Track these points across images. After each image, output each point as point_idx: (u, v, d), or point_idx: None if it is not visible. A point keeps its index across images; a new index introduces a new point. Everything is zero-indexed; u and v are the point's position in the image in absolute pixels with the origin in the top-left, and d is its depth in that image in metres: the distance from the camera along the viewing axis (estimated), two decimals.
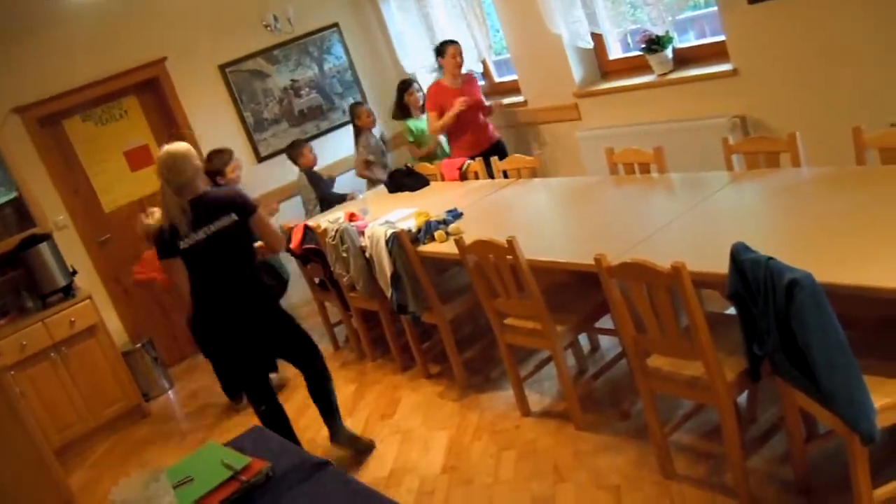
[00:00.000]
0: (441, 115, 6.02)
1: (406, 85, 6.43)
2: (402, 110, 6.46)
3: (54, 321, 5.57)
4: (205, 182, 4.01)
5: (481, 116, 6.15)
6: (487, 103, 6.29)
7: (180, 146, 3.90)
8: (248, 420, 5.11)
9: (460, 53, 6.03)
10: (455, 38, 6.19)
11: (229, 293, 3.94)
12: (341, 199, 6.28)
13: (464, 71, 6.17)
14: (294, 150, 6.42)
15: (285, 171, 6.76)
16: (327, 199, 6.31)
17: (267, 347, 4.17)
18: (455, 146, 6.18)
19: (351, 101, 7.26)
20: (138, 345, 6.26)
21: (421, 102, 6.37)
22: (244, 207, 3.90)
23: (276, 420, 4.21)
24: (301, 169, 6.39)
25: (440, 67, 6.27)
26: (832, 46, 4.25)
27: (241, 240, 3.92)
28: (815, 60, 4.36)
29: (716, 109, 4.93)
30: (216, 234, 3.82)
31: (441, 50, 6.07)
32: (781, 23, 4.42)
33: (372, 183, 6.56)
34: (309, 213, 6.32)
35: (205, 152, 5.89)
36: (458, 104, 5.88)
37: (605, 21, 5.51)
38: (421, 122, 6.36)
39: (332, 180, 6.56)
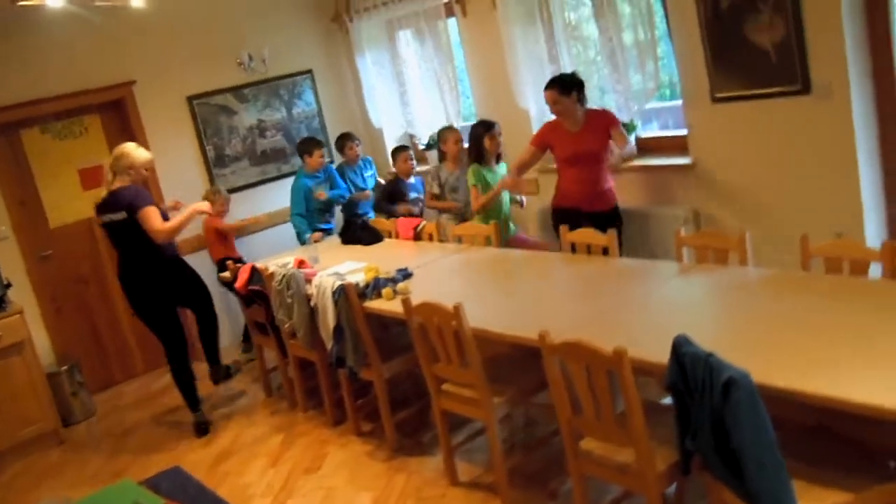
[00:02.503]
0: (541, 149, 5.26)
1: (488, 127, 5.63)
2: (478, 155, 5.66)
3: None
4: (129, 180, 5.02)
5: (601, 167, 5.07)
6: (616, 155, 5.08)
7: (126, 146, 5.11)
8: (168, 458, 4.98)
9: (555, 101, 4.99)
10: (547, 84, 5.02)
11: (136, 262, 5.12)
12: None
13: (594, 106, 5.17)
14: (394, 156, 6.69)
15: (244, 209, 6.72)
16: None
17: (173, 302, 5.29)
18: (559, 187, 5.29)
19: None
20: (64, 367, 6.06)
21: (500, 149, 5.71)
22: (130, 207, 4.91)
23: (184, 378, 5.33)
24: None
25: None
26: (786, 153, 4.39)
27: (135, 229, 4.94)
28: (769, 164, 4.50)
29: (673, 200, 5.03)
30: (114, 223, 4.99)
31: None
32: (741, 124, 4.56)
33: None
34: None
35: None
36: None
37: None
38: (490, 172, 5.64)
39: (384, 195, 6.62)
